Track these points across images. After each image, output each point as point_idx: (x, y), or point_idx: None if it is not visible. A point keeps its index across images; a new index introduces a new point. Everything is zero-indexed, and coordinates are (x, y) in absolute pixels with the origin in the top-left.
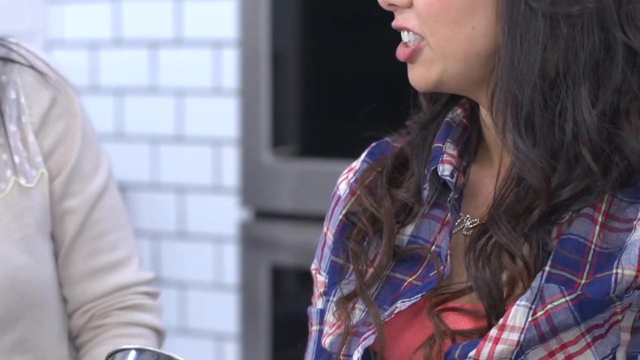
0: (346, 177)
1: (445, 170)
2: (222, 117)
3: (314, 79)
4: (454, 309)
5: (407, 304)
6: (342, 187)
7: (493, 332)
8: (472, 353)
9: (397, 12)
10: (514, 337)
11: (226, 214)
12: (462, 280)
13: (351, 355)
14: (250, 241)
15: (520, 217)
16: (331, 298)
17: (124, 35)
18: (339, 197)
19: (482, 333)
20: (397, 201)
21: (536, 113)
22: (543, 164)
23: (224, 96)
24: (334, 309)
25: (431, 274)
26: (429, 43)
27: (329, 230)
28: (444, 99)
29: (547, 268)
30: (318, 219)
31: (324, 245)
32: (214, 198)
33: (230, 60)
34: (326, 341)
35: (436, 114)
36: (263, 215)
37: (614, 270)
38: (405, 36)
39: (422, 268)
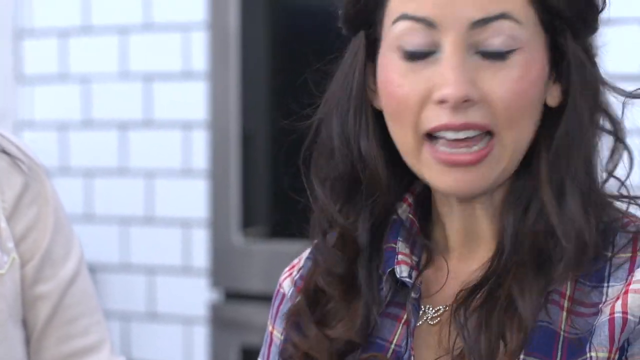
0: (289, 274)
1: (403, 271)
2: (192, 198)
3: (283, 159)
4: None
5: None
6: (286, 285)
7: None
8: None
9: (458, 109)
10: None
11: (196, 295)
12: None
13: None
14: (220, 322)
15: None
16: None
17: (93, 116)
18: (284, 295)
19: None
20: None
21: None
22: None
23: (193, 177)
24: None
25: None
26: (501, 140)
27: (275, 329)
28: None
29: (522, 356)
30: None
31: (270, 344)
32: (184, 279)
33: (200, 141)
34: None
35: (386, 210)
36: (233, 296)
37: (588, 354)
38: (467, 134)
39: None
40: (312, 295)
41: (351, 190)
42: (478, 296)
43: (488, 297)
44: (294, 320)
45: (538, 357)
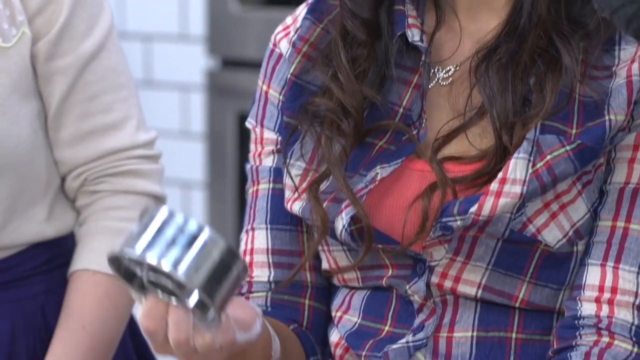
0: (285, 34)
1: (414, 35)
2: None
3: None
4: (451, 158)
5: (389, 169)
6: (283, 46)
7: (494, 186)
8: (473, 209)
9: None
10: (517, 189)
11: (193, 63)
12: (446, 123)
13: (331, 222)
14: (217, 89)
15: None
16: (289, 160)
17: None
18: (280, 55)
19: (482, 175)
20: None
21: None
22: None
23: None
24: (295, 173)
25: (404, 138)
26: None
27: (271, 88)
28: None
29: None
30: None
31: (265, 103)
32: (180, 46)
33: None
34: (293, 206)
35: None
36: (230, 63)
37: (607, 117)
38: None
39: (390, 132)
40: (343, 35)
41: None
42: (498, 57)
43: (510, 57)
44: (320, 50)
45: (556, 121)
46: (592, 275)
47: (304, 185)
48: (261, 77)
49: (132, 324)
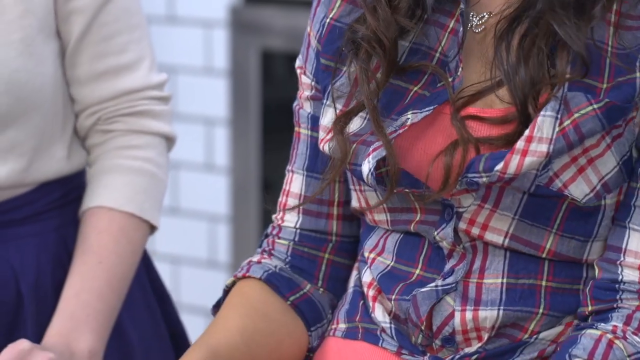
0: None
1: None
2: None
3: None
4: (475, 117)
5: (420, 115)
6: None
7: (520, 144)
8: (499, 167)
9: None
10: (543, 148)
11: None
12: (475, 83)
13: (359, 164)
14: (240, 25)
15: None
16: (325, 102)
17: None
18: None
19: (508, 140)
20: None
21: None
22: None
23: None
24: (331, 116)
25: (439, 85)
26: None
27: (312, 31)
28: None
29: (568, 76)
30: (307, 4)
31: (308, 46)
32: None
33: None
34: (325, 146)
35: None
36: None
37: (638, 74)
38: None
39: (426, 76)
40: None
41: None
42: (519, 26)
43: (535, 22)
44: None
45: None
46: (634, 242)
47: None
48: (309, 18)
49: (145, 258)
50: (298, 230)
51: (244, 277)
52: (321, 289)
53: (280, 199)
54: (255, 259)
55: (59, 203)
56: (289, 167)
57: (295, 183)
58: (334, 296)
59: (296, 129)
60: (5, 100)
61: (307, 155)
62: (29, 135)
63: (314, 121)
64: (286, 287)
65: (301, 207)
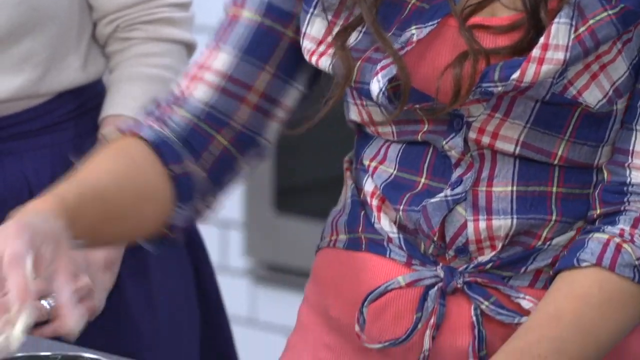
0: None
1: None
2: None
3: None
4: (480, 26)
5: (425, 30)
6: None
7: (536, 52)
8: (515, 75)
9: None
10: (559, 55)
11: None
12: None
13: (366, 82)
14: None
15: None
16: (311, 10)
17: None
18: None
19: (517, 48)
20: None
21: None
22: None
23: None
24: (319, 26)
25: None
26: None
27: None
28: None
29: None
30: None
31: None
32: None
33: None
34: (320, 61)
35: None
36: None
37: None
38: None
39: None
40: None
41: None
42: None
43: None
44: None
45: None
46: None
47: (329, 39)
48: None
49: None
50: (207, 109)
51: (132, 133)
52: (203, 173)
53: (190, 71)
54: (145, 121)
55: (74, 114)
56: (212, 43)
57: (220, 60)
58: (211, 185)
59: (232, 10)
60: (20, 10)
61: (247, 39)
62: (45, 45)
63: (273, 10)
64: (171, 157)
65: (223, 86)
